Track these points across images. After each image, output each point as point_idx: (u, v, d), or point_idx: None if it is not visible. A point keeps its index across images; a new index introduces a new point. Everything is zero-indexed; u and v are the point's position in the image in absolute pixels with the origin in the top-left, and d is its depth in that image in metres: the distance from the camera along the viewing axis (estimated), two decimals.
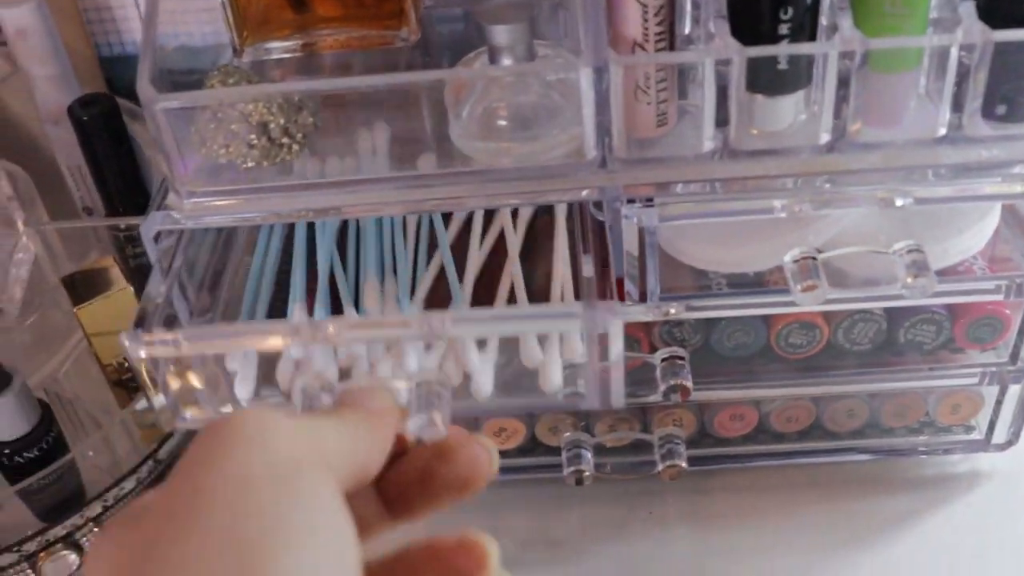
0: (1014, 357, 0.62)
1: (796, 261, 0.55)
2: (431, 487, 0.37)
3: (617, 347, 0.55)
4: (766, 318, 0.60)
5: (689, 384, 0.58)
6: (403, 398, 0.41)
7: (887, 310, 0.60)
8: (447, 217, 0.67)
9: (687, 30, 0.56)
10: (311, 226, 0.67)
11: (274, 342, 0.55)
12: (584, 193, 0.55)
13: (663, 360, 0.59)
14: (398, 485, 0.37)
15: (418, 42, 0.64)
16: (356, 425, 0.35)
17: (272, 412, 0.32)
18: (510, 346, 0.58)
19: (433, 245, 0.66)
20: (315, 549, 0.29)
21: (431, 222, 0.67)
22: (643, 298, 0.57)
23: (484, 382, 0.57)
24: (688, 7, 0.55)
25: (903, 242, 0.55)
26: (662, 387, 0.58)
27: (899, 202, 0.54)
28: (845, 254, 0.56)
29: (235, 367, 0.59)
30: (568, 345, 0.57)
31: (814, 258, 0.55)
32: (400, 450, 0.38)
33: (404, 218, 0.66)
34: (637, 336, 0.60)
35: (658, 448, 0.64)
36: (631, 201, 0.54)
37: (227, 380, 0.59)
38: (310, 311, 0.62)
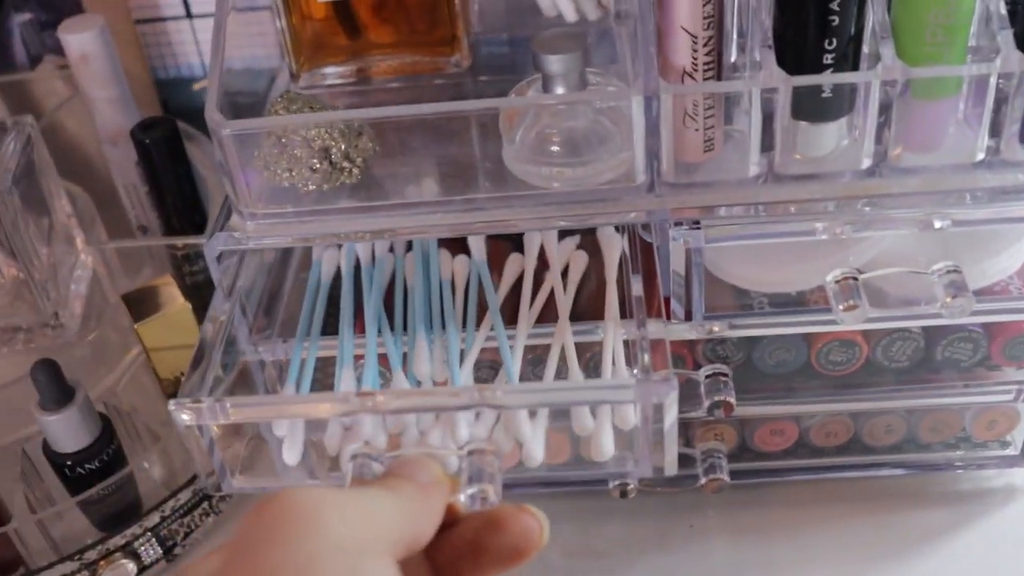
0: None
1: (838, 282, 0.57)
2: (482, 557, 0.38)
3: (672, 416, 0.55)
4: (807, 336, 0.62)
5: (733, 400, 0.60)
6: (454, 467, 0.42)
7: (925, 328, 0.62)
8: (496, 276, 0.65)
9: (733, 58, 0.58)
10: (358, 284, 0.65)
11: (322, 411, 0.56)
12: (632, 216, 0.57)
13: (707, 377, 0.61)
14: (449, 554, 0.37)
15: (471, 67, 0.67)
16: (409, 498, 0.36)
17: (323, 490, 0.33)
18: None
19: (483, 306, 0.63)
20: None
21: (480, 282, 0.64)
22: (688, 316, 0.59)
23: (535, 450, 0.57)
24: (735, 36, 0.58)
25: (942, 263, 0.57)
26: (706, 403, 0.60)
27: (938, 224, 0.56)
28: (885, 275, 0.57)
29: (283, 432, 0.59)
30: (620, 415, 0.57)
31: (855, 279, 0.56)
32: (451, 519, 0.39)
33: (452, 277, 0.65)
34: (682, 353, 0.62)
35: (700, 462, 0.65)
36: (678, 224, 0.56)
37: (275, 445, 0.59)
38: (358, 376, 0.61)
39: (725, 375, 0.61)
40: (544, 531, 0.38)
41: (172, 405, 0.55)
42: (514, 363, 0.59)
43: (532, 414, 0.57)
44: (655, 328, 0.59)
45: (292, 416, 0.58)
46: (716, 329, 0.60)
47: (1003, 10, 0.54)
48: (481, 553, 0.38)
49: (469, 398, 0.53)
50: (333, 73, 0.68)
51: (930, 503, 0.68)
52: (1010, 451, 0.68)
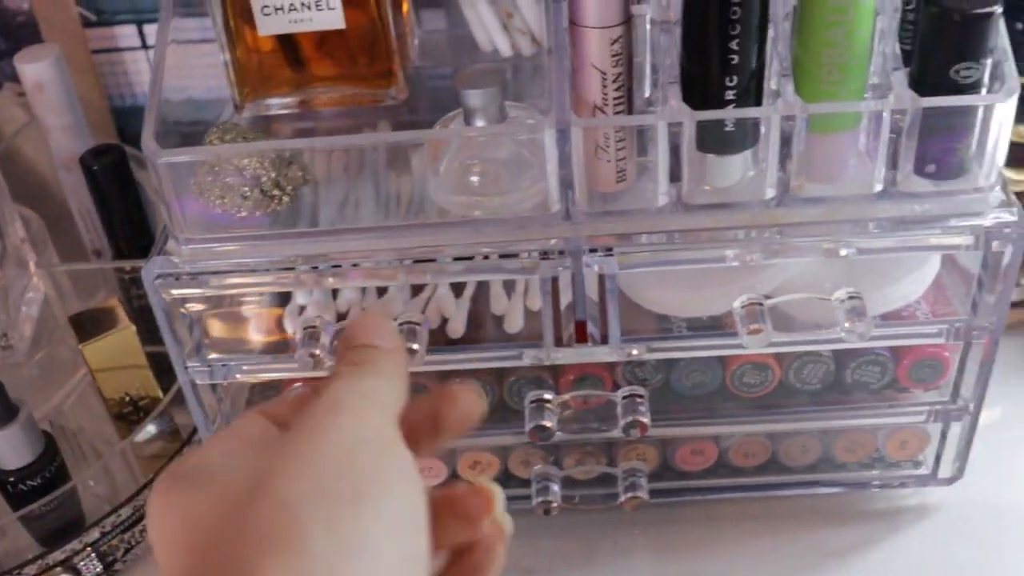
0: (954, 396, 0.66)
1: (744, 306, 0.59)
2: (438, 426, 0.43)
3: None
4: (722, 359, 0.64)
5: (647, 420, 0.63)
6: None
7: (835, 352, 0.64)
8: None
9: (647, 93, 0.61)
10: None
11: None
12: (552, 243, 0.59)
13: (624, 398, 0.63)
14: (409, 426, 0.41)
15: (409, 99, 0.69)
16: (389, 370, 0.41)
17: (343, 395, 0.39)
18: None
19: None
20: (408, 490, 0.37)
21: None
22: (604, 340, 0.62)
23: (457, 324, 0.64)
24: (648, 73, 0.61)
25: (844, 290, 0.59)
26: (622, 422, 0.63)
27: (843, 252, 0.59)
28: (791, 300, 0.60)
29: (251, 314, 0.66)
30: (530, 297, 0.64)
31: (761, 304, 0.59)
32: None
33: None
34: (601, 375, 0.64)
35: (622, 481, 0.68)
36: (593, 251, 0.59)
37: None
38: None
39: (641, 396, 0.63)
40: (484, 401, 0.45)
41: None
42: None
43: (458, 294, 0.65)
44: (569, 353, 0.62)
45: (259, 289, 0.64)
46: (635, 352, 0.63)
47: (898, 50, 0.57)
48: (439, 423, 0.43)
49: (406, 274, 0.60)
50: (277, 104, 0.71)
51: (847, 521, 0.70)
52: (922, 470, 0.70)
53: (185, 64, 0.70)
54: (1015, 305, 0.81)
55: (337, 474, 0.35)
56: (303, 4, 0.66)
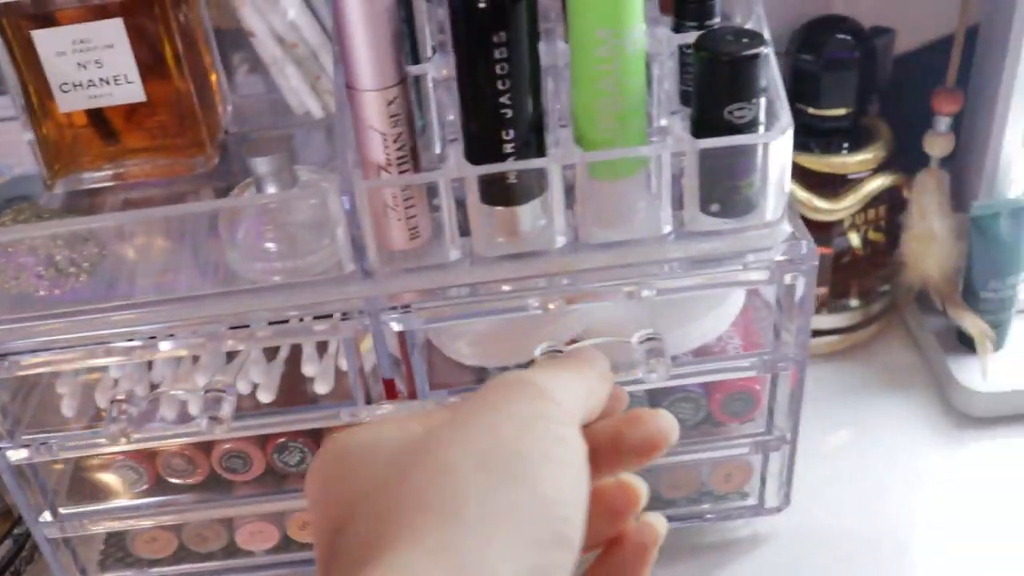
0: (769, 427, 0.67)
1: (544, 355, 0.60)
2: (619, 448, 0.42)
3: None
4: None
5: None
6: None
7: (648, 392, 0.65)
8: None
9: (438, 150, 0.62)
10: None
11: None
12: (352, 303, 0.60)
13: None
14: (591, 444, 0.41)
15: (228, 166, 0.70)
16: (592, 379, 0.43)
17: (540, 374, 0.40)
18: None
19: None
20: (570, 480, 0.37)
21: None
22: (413, 396, 0.62)
23: (266, 389, 0.64)
24: (436, 131, 0.62)
25: (642, 331, 0.60)
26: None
27: (644, 293, 0.60)
28: (591, 344, 0.61)
29: (64, 389, 0.66)
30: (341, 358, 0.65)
31: (560, 351, 0.60)
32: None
33: None
34: None
35: None
36: (392, 309, 0.59)
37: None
38: None
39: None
40: (675, 430, 0.43)
41: None
42: None
43: (271, 358, 0.66)
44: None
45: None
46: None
47: (677, 94, 0.59)
48: (619, 444, 0.42)
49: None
50: (90, 178, 0.71)
51: (682, 555, 0.71)
52: (750, 501, 0.71)
53: (5, 140, 0.70)
54: (838, 332, 0.83)
55: (502, 449, 0.36)
56: (102, 79, 0.66)
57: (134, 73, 0.65)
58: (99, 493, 0.69)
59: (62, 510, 0.68)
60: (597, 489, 0.42)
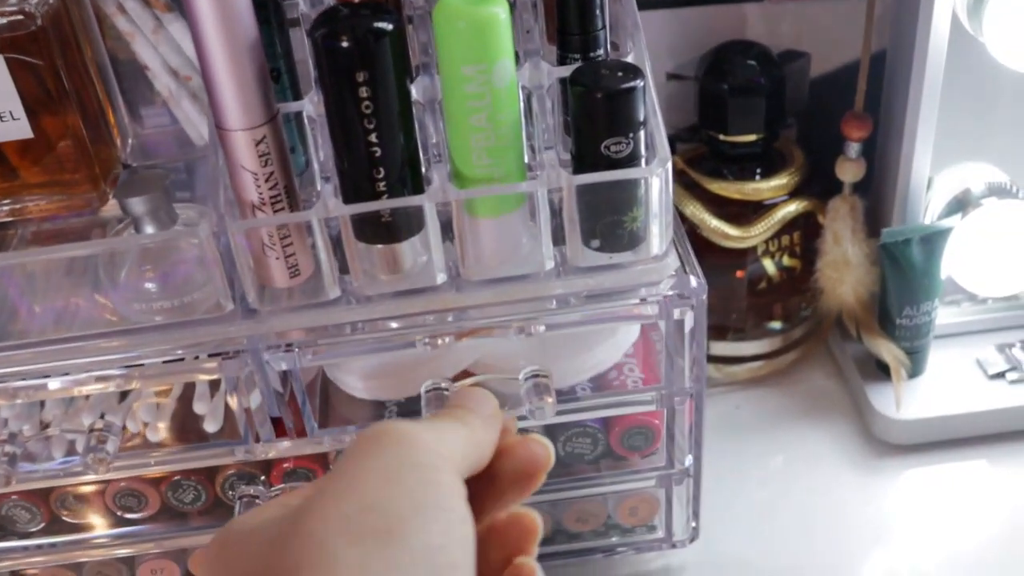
0: (671, 461, 0.66)
1: (428, 392, 0.59)
2: (497, 483, 0.43)
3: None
4: None
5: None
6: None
7: (546, 427, 0.64)
8: None
9: (319, 187, 0.62)
10: None
11: None
12: (236, 341, 0.59)
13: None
14: (469, 483, 0.41)
15: None
16: (475, 428, 0.42)
17: (408, 422, 0.40)
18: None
19: None
20: (445, 525, 0.37)
21: None
22: (302, 433, 0.61)
23: (156, 429, 0.64)
24: (316, 169, 0.61)
25: (529, 368, 0.60)
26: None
27: (534, 329, 0.59)
28: (477, 381, 0.60)
29: None
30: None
31: (445, 389, 0.59)
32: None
33: None
34: (313, 467, 0.65)
35: None
36: (275, 347, 0.59)
37: None
38: None
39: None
40: (551, 455, 0.44)
41: None
42: None
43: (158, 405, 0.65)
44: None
45: None
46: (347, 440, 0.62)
47: (553, 129, 0.58)
48: (497, 480, 0.43)
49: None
50: None
51: None
52: (658, 534, 0.70)
53: None
54: (760, 358, 0.83)
55: (367, 509, 0.36)
56: None
57: (19, 110, 0.64)
58: None
59: None
60: (490, 526, 0.42)
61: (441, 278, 0.58)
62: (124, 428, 0.63)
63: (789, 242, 0.78)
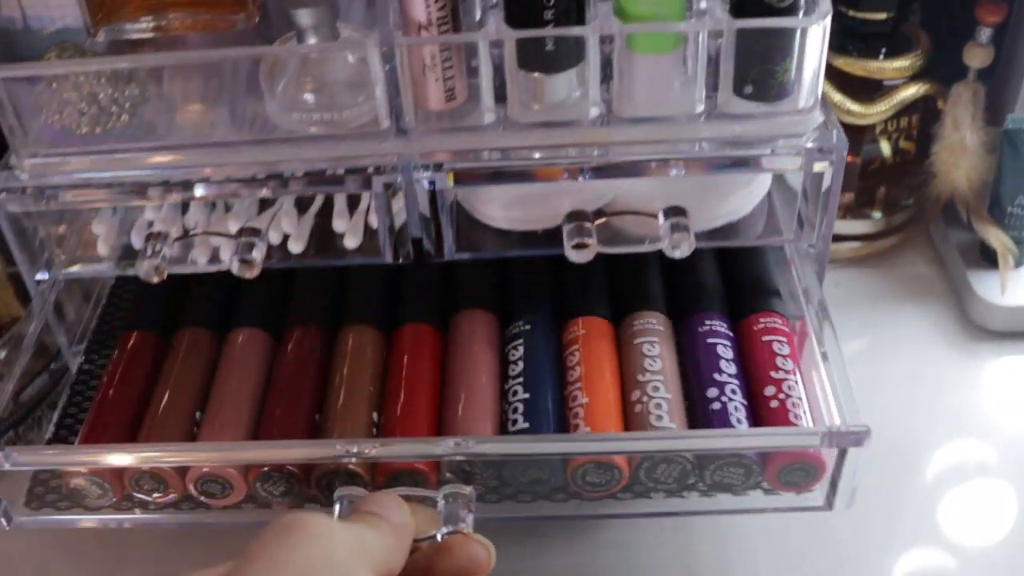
0: (829, 502, 0.60)
1: (572, 222, 0.61)
2: None
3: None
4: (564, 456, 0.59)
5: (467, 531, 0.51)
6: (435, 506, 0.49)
7: (698, 456, 0.59)
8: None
9: (478, 16, 0.63)
10: None
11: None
12: (386, 159, 0.61)
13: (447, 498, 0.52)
14: None
15: (269, 25, 0.70)
16: (386, 535, 0.43)
17: (323, 517, 0.41)
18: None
19: None
20: None
21: None
22: (440, 254, 0.63)
23: (298, 240, 0.66)
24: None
25: (669, 206, 0.61)
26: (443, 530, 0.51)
27: (672, 172, 0.61)
28: (619, 217, 0.62)
29: (100, 229, 0.67)
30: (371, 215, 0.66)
31: (589, 220, 0.61)
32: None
33: None
34: (422, 471, 0.59)
35: None
36: (424, 167, 0.60)
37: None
38: None
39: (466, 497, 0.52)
40: (491, 556, 0.45)
41: None
42: None
43: (303, 211, 0.67)
44: None
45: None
46: (458, 446, 0.57)
47: None
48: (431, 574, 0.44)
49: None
50: (132, 29, 0.71)
51: None
52: None
53: None
54: (860, 238, 0.84)
55: None
56: None
57: None
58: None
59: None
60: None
61: (593, 112, 0.60)
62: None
63: (907, 124, 0.79)
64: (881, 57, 0.78)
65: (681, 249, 0.61)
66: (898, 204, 0.83)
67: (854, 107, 0.77)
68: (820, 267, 0.66)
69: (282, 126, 0.61)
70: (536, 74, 0.59)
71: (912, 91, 0.78)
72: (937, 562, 0.66)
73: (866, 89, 0.78)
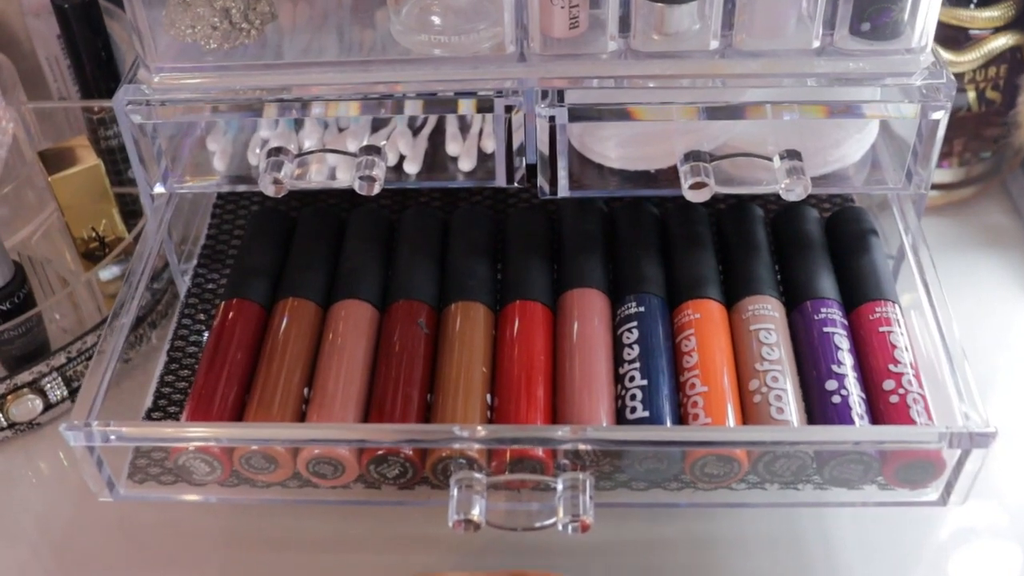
0: (944, 498, 0.60)
1: (689, 162, 0.63)
2: None
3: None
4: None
5: (588, 518, 0.56)
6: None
7: (818, 452, 0.59)
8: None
9: None
10: None
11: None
12: (507, 83, 0.62)
13: (565, 487, 0.57)
14: None
15: None
16: None
17: None
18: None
19: None
20: None
21: None
22: (553, 188, 0.65)
23: (414, 162, 0.67)
24: None
25: (784, 150, 0.63)
26: (564, 519, 0.56)
27: (786, 116, 0.62)
28: (734, 159, 0.63)
29: (214, 147, 0.69)
30: (483, 138, 0.67)
31: (706, 161, 0.63)
32: None
33: None
34: (540, 460, 0.59)
35: None
36: (544, 95, 0.62)
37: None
38: None
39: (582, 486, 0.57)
40: None
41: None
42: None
43: (415, 133, 0.68)
44: None
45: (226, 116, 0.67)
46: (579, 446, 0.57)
47: None
48: None
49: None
50: None
51: None
52: None
53: None
54: (937, 187, 0.85)
55: None
56: None
57: None
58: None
59: None
60: None
61: (713, 44, 0.61)
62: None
63: (996, 74, 0.81)
64: (972, 6, 0.79)
65: (796, 192, 0.62)
66: (977, 156, 0.85)
67: (945, 55, 0.78)
68: (918, 214, 0.68)
69: (410, 48, 0.63)
70: (659, 4, 0.61)
71: (1001, 42, 0.79)
72: None
73: (954, 38, 0.79)
